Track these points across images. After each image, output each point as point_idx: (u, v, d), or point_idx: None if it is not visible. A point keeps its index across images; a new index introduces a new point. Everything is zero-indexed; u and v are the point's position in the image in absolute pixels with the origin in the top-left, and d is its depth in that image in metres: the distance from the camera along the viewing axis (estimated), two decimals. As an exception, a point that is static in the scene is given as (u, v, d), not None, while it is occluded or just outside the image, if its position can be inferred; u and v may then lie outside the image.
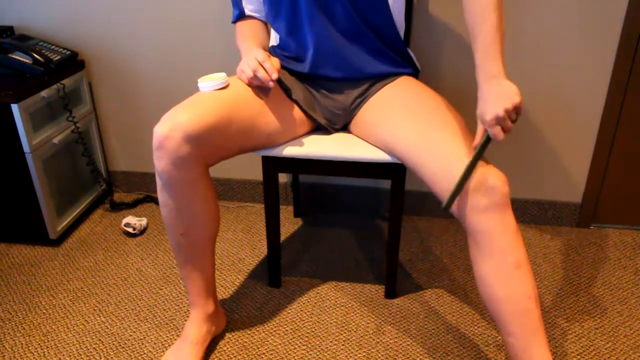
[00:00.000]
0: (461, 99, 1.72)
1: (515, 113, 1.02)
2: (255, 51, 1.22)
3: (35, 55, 1.66)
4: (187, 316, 1.47)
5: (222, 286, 1.59)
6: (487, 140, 1.05)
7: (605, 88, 1.65)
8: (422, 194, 1.90)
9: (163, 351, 1.36)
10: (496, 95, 1.02)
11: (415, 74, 1.38)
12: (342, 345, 1.37)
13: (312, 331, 1.42)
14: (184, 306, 1.51)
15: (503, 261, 1.05)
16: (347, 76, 1.32)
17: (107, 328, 1.43)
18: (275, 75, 1.18)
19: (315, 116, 1.34)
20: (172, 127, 1.10)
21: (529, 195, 1.85)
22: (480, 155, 1.06)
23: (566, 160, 1.77)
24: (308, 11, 1.24)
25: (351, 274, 1.63)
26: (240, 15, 1.41)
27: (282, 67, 1.38)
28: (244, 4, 1.40)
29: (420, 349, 1.36)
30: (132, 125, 1.97)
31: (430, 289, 1.56)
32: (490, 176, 1.04)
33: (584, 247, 1.75)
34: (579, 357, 1.33)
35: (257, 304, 1.51)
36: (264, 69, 1.19)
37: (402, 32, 1.34)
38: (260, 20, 1.43)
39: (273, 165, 1.38)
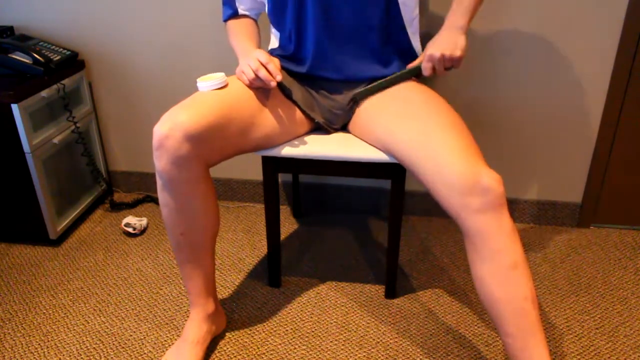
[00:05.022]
0: (461, 97, 1.72)
1: (450, 62, 1.18)
2: (256, 52, 1.21)
3: (35, 55, 1.66)
4: (187, 316, 1.47)
5: (222, 286, 1.59)
6: (418, 69, 1.24)
7: (605, 88, 1.65)
8: (422, 194, 1.90)
9: (163, 351, 1.36)
10: (444, 40, 1.18)
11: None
12: (342, 345, 1.37)
13: (312, 331, 1.42)
14: (184, 306, 1.51)
15: (499, 262, 1.05)
16: (346, 78, 1.32)
17: (107, 328, 1.43)
18: (279, 77, 1.19)
19: (315, 116, 1.34)
20: (172, 126, 1.10)
21: (529, 195, 1.85)
22: (404, 76, 1.25)
23: (566, 160, 1.77)
24: (313, 12, 1.24)
25: (351, 274, 1.63)
26: (233, 15, 1.41)
27: (282, 67, 1.38)
28: (237, 3, 1.40)
29: (420, 349, 1.36)
30: (132, 125, 1.97)
31: (430, 289, 1.56)
32: (484, 177, 1.04)
33: (584, 247, 1.75)
34: (579, 357, 1.33)
35: (257, 304, 1.51)
36: (268, 70, 1.19)
37: (414, 30, 1.32)
38: (253, 19, 1.43)
39: (273, 165, 1.38)
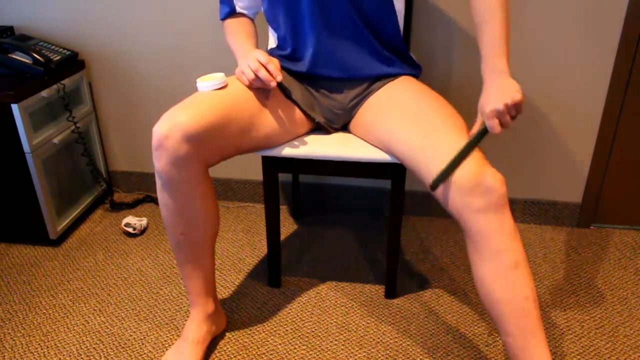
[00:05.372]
0: (461, 98, 1.72)
1: (515, 109, 1.05)
2: (256, 52, 1.21)
3: (35, 55, 1.66)
4: (187, 316, 1.47)
5: (222, 286, 1.59)
6: (484, 131, 1.08)
7: (605, 88, 1.65)
8: (422, 194, 1.90)
9: (163, 351, 1.36)
10: (498, 90, 1.06)
11: (416, 74, 1.38)
12: (342, 345, 1.37)
13: (312, 331, 1.42)
14: (184, 306, 1.51)
15: (500, 262, 1.05)
16: (346, 76, 1.32)
17: (107, 328, 1.43)
18: (280, 77, 1.18)
19: (315, 116, 1.34)
20: (172, 126, 1.10)
21: (529, 195, 1.85)
22: (474, 143, 1.08)
23: (566, 160, 1.77)
24: (309, 11, 1.24)
25: (351, 274, 1.63)
26: (231, 13, 1.41)
27: (281, 67, 1.38)
28: (234, 1, 1.39)
29: (420, 349, 1.36)
30: (132, 125, 1.97)
31: (430, 289, 1.56)
32: (487, 177, 1.04)
33: (584, 247, 1.75)
34: (579, 357, 1.33)
35: (257, 304, 1.51)
36: (268, 70, 1.19)
37: (401, 30, 1.34)
38: (250, 18, 1.43)
39: (273, 165, 1.38)
